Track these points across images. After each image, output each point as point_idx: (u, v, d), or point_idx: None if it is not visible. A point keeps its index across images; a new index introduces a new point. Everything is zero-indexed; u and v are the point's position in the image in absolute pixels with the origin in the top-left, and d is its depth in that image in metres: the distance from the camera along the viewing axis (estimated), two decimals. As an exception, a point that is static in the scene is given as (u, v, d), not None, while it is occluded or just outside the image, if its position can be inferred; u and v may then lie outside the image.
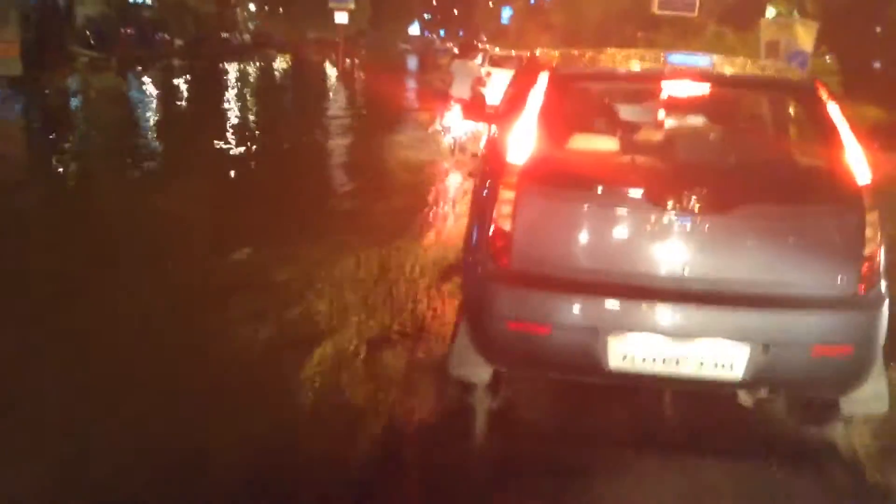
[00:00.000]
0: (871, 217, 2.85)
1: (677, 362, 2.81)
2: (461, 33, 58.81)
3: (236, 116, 15.56)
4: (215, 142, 11.03)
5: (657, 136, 3.39)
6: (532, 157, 2.95)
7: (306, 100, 20.14)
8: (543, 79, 3.22)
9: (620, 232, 2.84)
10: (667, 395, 3.49)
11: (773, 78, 3.57)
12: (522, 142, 2.99)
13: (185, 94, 20.49)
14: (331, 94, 22.37)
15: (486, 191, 3.16)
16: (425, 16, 76.28)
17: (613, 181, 2.88)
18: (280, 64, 36.54)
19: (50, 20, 24.09)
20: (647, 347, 2.79)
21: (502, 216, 2.90)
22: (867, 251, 2.83)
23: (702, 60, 3.30)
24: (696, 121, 3.53)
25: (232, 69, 29.35)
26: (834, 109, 3.06)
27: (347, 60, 30.60)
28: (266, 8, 67.43)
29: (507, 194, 2.90)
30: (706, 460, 3.09)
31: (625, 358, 2.81)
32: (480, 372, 3.16)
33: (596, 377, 2.95)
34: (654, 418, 3.43)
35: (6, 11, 16.74)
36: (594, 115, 3.78)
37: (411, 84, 25.89)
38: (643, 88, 3.71)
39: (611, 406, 3.42)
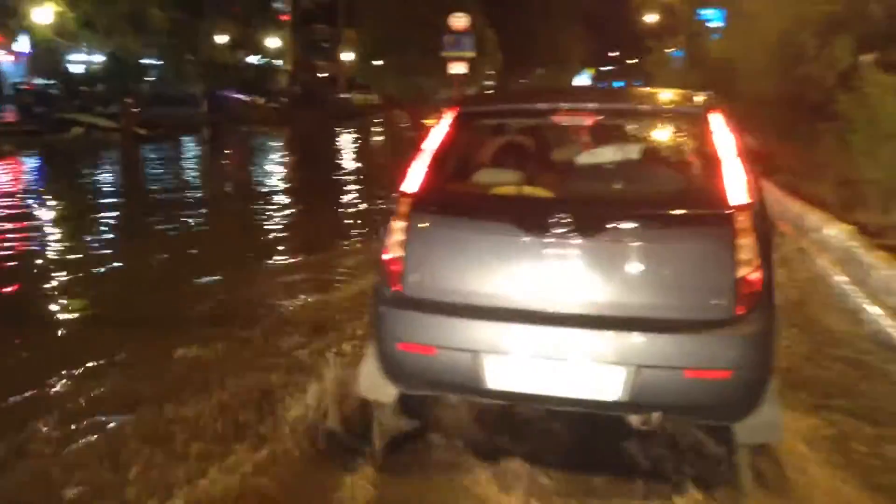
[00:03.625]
0: (746, 239, 2.84)
1: (552, 383, 2.94)
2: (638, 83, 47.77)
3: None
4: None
5: (551, 167, 3.62)
6: (422, 189, 3.18)
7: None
8: (448, 117, 3.50)
9: (498, 259, 3.02)
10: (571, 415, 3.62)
11: (664, 107, 3.75)
12: (416, 175, 3.24)
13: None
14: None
15: (385, 221, 3.39)
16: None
17: (491, 211, 3.11)
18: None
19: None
20: (521, 368, 2.94)
21: (394, 244, 3.13)
22: (741, 273, 2.82)
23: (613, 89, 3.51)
24: (594, 151, 3.70)
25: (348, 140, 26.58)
26: (721, 136, 3.17)
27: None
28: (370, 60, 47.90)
29: (398, 223, 3.13)
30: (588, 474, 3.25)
31: (502, 378, 2.96)
32: (386, 391, 3.36)
33: (479, 395, 3.13)
34: (556, 435, 3.60)
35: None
36: (503, 149, 4.00)
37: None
38: (548, 122, 3.93)
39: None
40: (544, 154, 4.07)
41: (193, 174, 18.21)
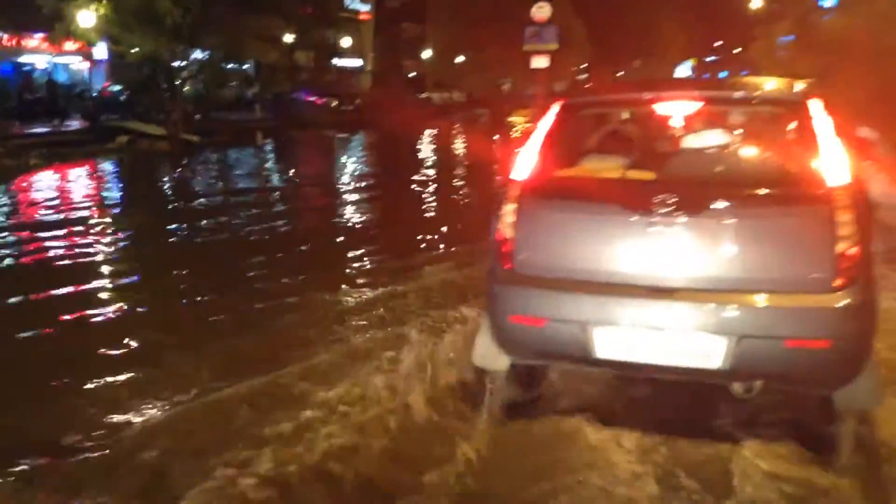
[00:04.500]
0: (845, 216, 2.99)
1: (657, 352, 3.17)
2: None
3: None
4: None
5: (654, 153, 3.83)
6: (533, 174, 3.47)
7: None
8: (555, 108, 3.79)
9: (605, 237, 3.27)
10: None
11: (764, 95, 3.91)
12: (526, 162, 3.53)
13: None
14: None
15: (498, 204, 3.69)
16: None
17: (598, 193, 3.36)
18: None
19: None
20: (628, 338, 3.19)
21: (505, 226, 3.43)
22: (841, 248, 2.98)
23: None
24: (695, 136, 3.88)
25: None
26: (821, 122, 3.34)
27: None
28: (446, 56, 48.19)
29: (509, 207, 3.43)
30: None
31: (610, 348, 3.21)
32: (498, 361, 3.67)
33: (587, 364, 3.39)
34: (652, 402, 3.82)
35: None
36: (607, 137, 4.23)
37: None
38: (649, 110, 4.15)
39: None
40: (647, 141, 4.28)
41: (246, 182, 16.61)
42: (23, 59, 28.60)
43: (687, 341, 3.13)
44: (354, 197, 13.63)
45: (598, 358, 3.25)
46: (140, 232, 9.87)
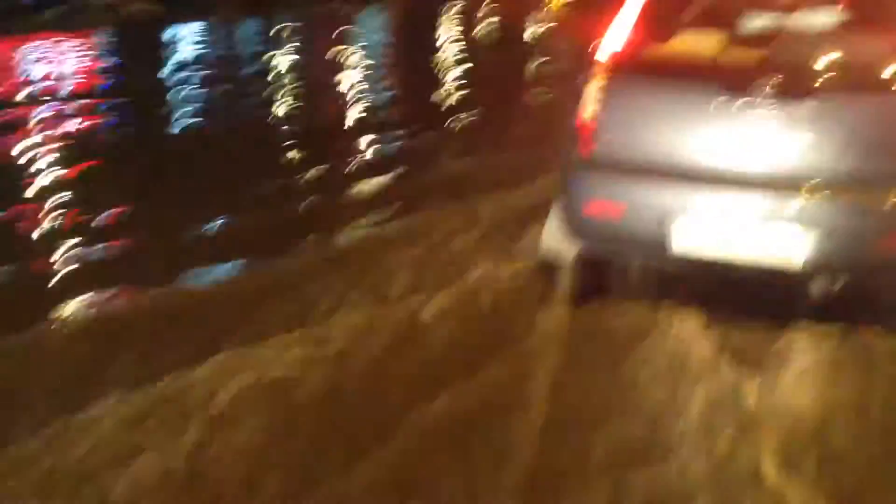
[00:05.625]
0: None
1: (738, 248, 3.00)
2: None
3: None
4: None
5: (760, 33, 3.48)
6: (620, 51, 3.20)
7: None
8: None
9: (696, 121, 3.04)
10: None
11: None
12: (615, 38, 3.24)
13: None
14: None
15: (581, 83, 3.44)
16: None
17: (694, 73, 3.08)
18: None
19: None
20: (708, 232, 3.01)
21: (591, 105, 3.19)
22: None
23: None
24: (808, 14, 3.53)
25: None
26: None
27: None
28: None
29: (596, 84, 3.18)
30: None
31: (688, 242, 3.04)
32: (566, 253, 3.52)
33: (661, 261, 3.22)
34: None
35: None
36: (706, 13, 3.87)
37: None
38: None
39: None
40: (747, 18, 3.90)
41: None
42: None
43: (772, 236, 2.94)
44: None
45: (675, 253, 3.08)
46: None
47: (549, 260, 3.60)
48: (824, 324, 3.22)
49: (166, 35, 16.73)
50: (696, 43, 3.37)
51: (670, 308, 3.43)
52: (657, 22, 3.35)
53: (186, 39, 16.16)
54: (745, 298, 3.48)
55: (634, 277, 3.73)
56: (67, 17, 17.55)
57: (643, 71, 3.20)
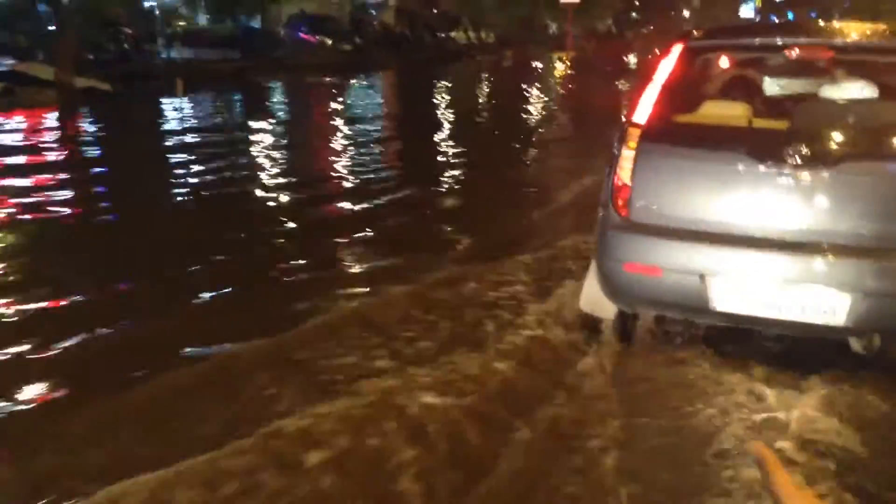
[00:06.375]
0: None
1: (779, 307, 3.12)
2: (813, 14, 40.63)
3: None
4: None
5: (782, 101, 3.66)
6: (652, 119, 3.37)
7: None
8: (676, 50, 3.64)
9: (727, 186, 3.19)
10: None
11: None
12: (645, 106, 3.43)
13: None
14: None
15: (615, 149, 3.62)
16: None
17: (722, 141, 3.25)
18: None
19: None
20: (750, 292, 3.14)
21: (623, 171, 3.36)
22: None
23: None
24: (836, 86, 3.66)
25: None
26: None
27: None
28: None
29: (628, 152, 3.35)
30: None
31: (728, 300, 3.17)
32: (606, 309, 3.64)
33: (703, 317, 3.33)
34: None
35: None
36: (729, 82, 4.07)
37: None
38: (779, 57, 3.96)
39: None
40: (770, 88, 4.09)
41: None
42: None
43: (809, 297, 3.06)
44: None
45: (716, 310, 3.19)
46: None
47: (591, 314, 3.73)
48: (866, 373, 3.33)
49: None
50: (723, 112, 3.55)
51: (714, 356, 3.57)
52: (682, 94, 3.53)
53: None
54: (787, 351, 3.59)
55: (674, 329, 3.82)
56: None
57: (677, 139, 3.37)
